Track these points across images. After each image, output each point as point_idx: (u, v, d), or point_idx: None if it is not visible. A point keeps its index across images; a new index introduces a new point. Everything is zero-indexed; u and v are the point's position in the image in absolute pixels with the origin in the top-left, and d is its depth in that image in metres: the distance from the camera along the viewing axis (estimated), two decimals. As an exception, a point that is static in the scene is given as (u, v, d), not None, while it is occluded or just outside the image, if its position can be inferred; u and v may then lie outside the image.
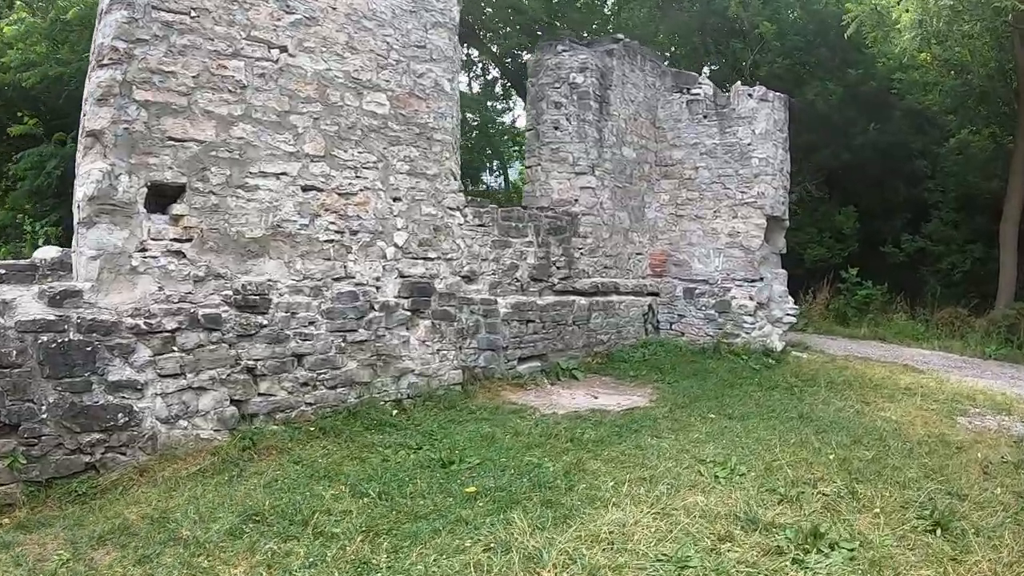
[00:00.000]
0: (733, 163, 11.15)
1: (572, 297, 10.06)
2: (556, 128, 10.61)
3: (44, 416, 4.86)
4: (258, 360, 6.07)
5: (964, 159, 16.56)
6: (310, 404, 6.43)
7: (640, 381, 9.27)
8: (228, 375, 5.88)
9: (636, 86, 11.48)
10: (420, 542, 4.08)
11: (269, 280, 6.20)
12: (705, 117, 11.46)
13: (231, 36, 5.99)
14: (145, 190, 5.53)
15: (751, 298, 10.87)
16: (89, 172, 5.33)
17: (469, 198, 8.88)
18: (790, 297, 11.24)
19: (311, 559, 3.86)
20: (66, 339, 5.00)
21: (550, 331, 9.49)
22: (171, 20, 5.64)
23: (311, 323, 6.48)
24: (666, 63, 13.66)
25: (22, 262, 6.99)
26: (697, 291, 11.39)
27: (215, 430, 5.74)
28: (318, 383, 6.51)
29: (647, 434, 6.63)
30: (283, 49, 6.32)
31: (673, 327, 11.63)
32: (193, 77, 5.75)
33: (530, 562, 3.84)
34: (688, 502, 4.76)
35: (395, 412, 6.81)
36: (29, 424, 4.77)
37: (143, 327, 5.38)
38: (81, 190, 5.40)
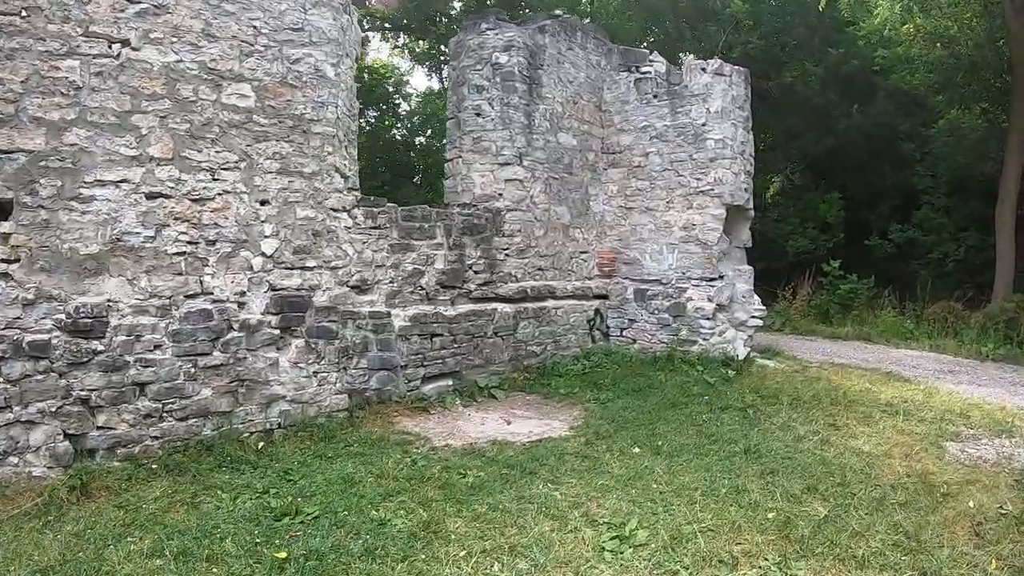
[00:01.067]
0: (686, 146, 9.47)
1: (493, 305, 8.43)
2: (478, 115, 8.96)
3: None
4: (93, 390, 5.20)
5: (955, 140, 14.73)
6: (156, 438, 5.45)
7: (570, 401, 7.66)
8: (60, 407, 5.07)
9: (576, 66, 9.84)
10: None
11: (109, 301, 5.32)
12: (655, 97, 9.80)
13: (66, 34, 5.21)
14: None
15: (709, 299, 9.18)
16: None
17: (360, 197, 7.28)
18: (756, 297, 9.54)
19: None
20: None
21: (463, 345, 7.94)
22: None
23: (157, 347, 5.50)
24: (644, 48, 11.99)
25: None
26: (649, 292, 9.71)
27: (48, 467, 5.01)
28: (165, 414, 5.51)
29: (543, 478, 5.13)
30: (125, 43, 5.44)
31: (624, 333, 9.96)
32: (22, 82, 5.04)
33: None
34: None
35: (260, 445, 5.68)
36: None
37: None
38: None
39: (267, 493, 4.74)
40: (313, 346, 6.46)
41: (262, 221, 6.19)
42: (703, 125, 9.27)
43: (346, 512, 4.41)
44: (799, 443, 5.88)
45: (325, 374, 6.53)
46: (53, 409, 5.05)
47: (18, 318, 4.97)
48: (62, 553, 3.85)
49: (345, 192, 6.91)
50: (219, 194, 5.90)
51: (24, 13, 5.03)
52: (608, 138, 10.23)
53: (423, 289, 7.84)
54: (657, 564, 3.72)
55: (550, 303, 9.17)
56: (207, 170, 5.84)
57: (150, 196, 5.53)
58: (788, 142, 16.54)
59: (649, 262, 9.78)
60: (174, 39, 5.66)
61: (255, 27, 6.14)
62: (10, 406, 4.89)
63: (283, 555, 3.81)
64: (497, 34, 8.96)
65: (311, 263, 6.56)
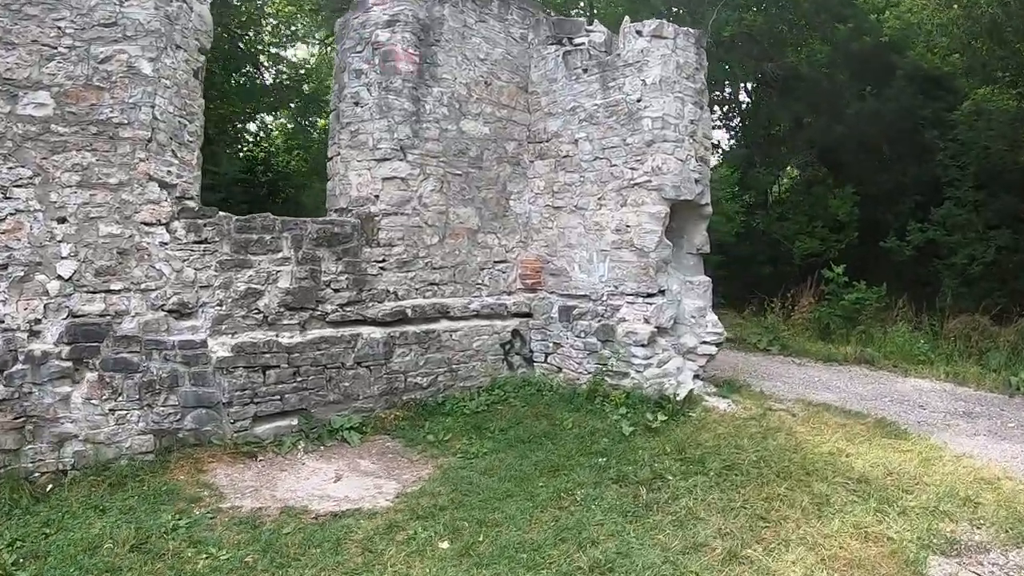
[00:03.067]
0: (619, 128, 7.13)
1: (358, 329, 6.35)
2: (356, 104, 6.86)
3: None
4: None
5: (983, 124, 11.70)
6: None
7: (435, 451, 5.59)
8: None
9: (490, 40, 7.63)
10: None
11: None
12: (585, 71, 7.50)
13: None
14: None
15: (646, 320, 6.81)
16: None
17: (181, 208, 5.48)
18: (711, 316, 7.11)
19: None
20: None
21: (310, 378, 5.96)
22: None
23: None
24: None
25: None
26: (576, 310, 7.39)
27: None
28: None
29: None
30: None
31: (549, 360, 7.66)
32: None
33: None
34: None
35: (49, 488, 4.65)
36: None
37: None
38: None
39: (12, 546, 3.78)
40: (107, 380, 5.13)
41: (59, 241, 5.04)
42: (638, 101, 6.92)
43: None
44: (689, 558, 3.56)
45: (124, 412, 5.16)
46: None
47: None
48: None
49: (163, 203, 5.38)
50: (10, 214, 4.87)
51: None
52: (535, 124, 7.98)
53: (260, 312, 5.85)
54: None
55: (442, 324, 6.98)
56: None
57: None
58: (794, 131, 13.84)
59: (578, 273, 7.48)
60: None
61: (59, 27, 5.01)
62: None
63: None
64: (383, 9, 6.87)
65: (116, 286, 5.25)
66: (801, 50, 12.50)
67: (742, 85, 15.46)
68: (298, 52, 14.63)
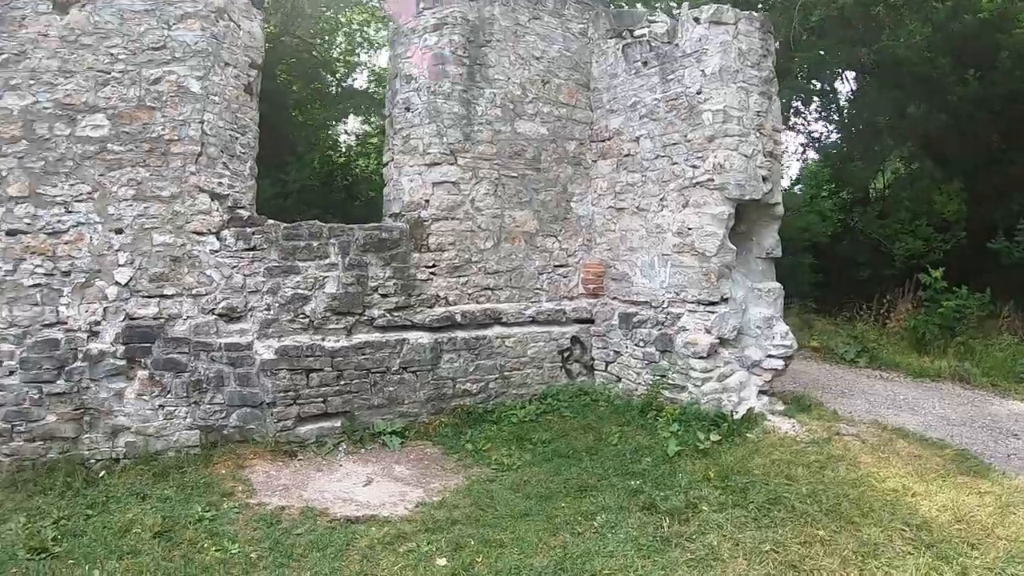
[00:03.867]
0: (679, 124, 6.58)
1: (404, 335, 6.29)
2: (407, 109, 6.80)
3: None
4: None
5: None
6: (6, 455, 5.04)
7: (472, 460, 5.47)
8: None
9: (545, 37, 7.32)
10: None
11: None
12: (645, 64, 7.00)
13: None
14: None
15: (707, 330, 6.25)
16: None
17: (231, 217, 5.75)
18: (781, 327, 6.39)
19: None
20: None
21: (354, 382, 6.00)
22: None
23: (11, 372, 5.10)
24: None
25: None
26: (636, 317, 6.93)
27: None
28: (15, 435, 5.09)
29: None
30: None
31: (609, 369, 7.24)
32: None
33: None
34: None
35: (102, 474, 5.00)
36: None
37: None
38: None
39: (56, 523, 4.07)
40: (157, 378, 5.44)
41: (116, 250, 5.44)
42: (697, 93, 6.35)
43: (77, 562, 3.59)
44: None
45: (173, 408, 5.46)
46: None
47: None
48: None
49: (213, 213, 5.66)
50: (73, 226, 5.33)
51: None
52: (596, 122, 7.57)
53: (307, 317, 5.95)
54: None
55: (494, 330, 6.78)
56: (61, 204, 5.30)
57: (10, 233, 5.17)
58: (895, 121, 12.36)
59: (639, 278, 7.00)
60: (32, 81, 5.21)
61: (112, 55, 5.41)
62: None
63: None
64: (433, 13, 6.78)
65: (170, 291, 5.57)
66: (898, 33, 11.06)
67: (838, 73, 14.01)
68: (379, 59, 14.99)
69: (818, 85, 14.27)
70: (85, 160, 5.28)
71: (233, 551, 3.77)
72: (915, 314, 9.40)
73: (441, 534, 4.00)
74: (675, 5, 12.16)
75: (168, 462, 5.08)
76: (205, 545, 3.81)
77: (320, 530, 4.09)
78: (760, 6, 11.87)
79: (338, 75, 13.19)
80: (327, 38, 12.81)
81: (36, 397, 5.10)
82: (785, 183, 14.28)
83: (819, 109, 15.79)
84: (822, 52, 11.57)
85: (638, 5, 12.69)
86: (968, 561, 3.57)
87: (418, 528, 4.10)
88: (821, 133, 16.17)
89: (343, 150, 12.95)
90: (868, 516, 4.07)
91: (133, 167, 5.40)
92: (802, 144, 16.69)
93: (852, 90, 14.72)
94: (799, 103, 14.51)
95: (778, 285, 6.63)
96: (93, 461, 5.17)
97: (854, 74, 13.74)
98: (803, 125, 15.85)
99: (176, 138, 5.49)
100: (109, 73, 5.32)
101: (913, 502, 4.28)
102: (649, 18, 7.33)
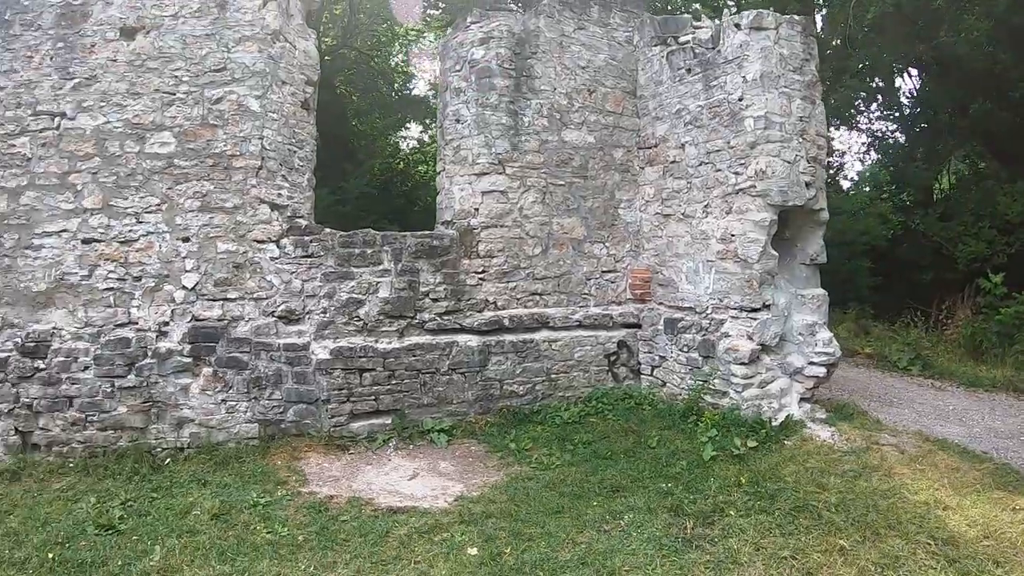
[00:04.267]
0: (722, 131, 6.60)
1: (453, 337, 6.61)
2: (457, 121, 7.13)
3: None
4: (35, 399, 5.69)
5: None
6: (81, 442, 5.70)
7: (510, 459, 5.75)
8: (11, 409, 5.64)
9: (592, 47, 7.47)
10: None
11: (54, 328, 5.81)
12: (688, 71, 7.05)
13: (18, 116, 5.84)
14: None
15: (749, 337, 6.27)
16: None
17: (290, 226, 6.27)
18: (825, 334, 6.31)
19: None
20: None
21: (404, 382, 6.40)
22: None
23: (86, 368, 5.76)
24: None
25: None
26: (681, 323, 6.99)
27: (4, 453, 5.60)
28: (88, 424, 5.74)
29: (306, 559, 3.97)
30: (63, 115, 5.88)
31: (655, 373, 7.33)
32: None
33: None
34: None
35: (167, 461, 5.60)
36: None
37: None
38: None
39: (124, 504, 4.63)
40: (221, 375, 5.99)
41: (183, 257, 6.01)
42: (739, 100, 6.36)
43: (140, 537, 4.11)
44: None
45: (234, 403, 6.00)
46: (6, 410, 5.58)
47: None
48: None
49: (273, 223, 6.19)
50: (143, 235, 5.94)
51: None
52: (643, 129, 7.67)
53: (360, 320, 6.37)
54: None
55: (542, 334, 7.01)
56: (132, 215, 5.92)
57: (85, 241, 5.85)
58: (957, 120, 11.75)
59: (684, 284, 7.07)
60: (103, 103, 5.87)
61: (176, 76, 6.01)
62: None
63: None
64: (480, 27, 7.06)
65: (233, 294, 6.11)
66: (958, 27, 10.47)
67: (899, 70, 13.34)
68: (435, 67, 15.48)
69: (880, 83, 13.68)
70: (154, 175, 5.91)
71: (282, 534, 4.19)
72: (972, 321, 8.98)
73: (475, 526, 4.29)
74: (728, 8, 12.00)
75: (228, 452, 5.61)
76: (258, 527, 4.25)
77: (364, 518, 4.46)
78: (820, 2, 11.55)
79: (396, 84, 13.71)
80: (385, 49, 13.34)
81: (108, 390, 5.75)
82: (846, 185, 13.80)
83: (880, 108, 15.14)
84: (879, 48, 11.09)
85: (684, 11, 12.58)
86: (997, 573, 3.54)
87: (454, 520, 4.41)
88: (883, 132, 15.49)
89: (402, 157, 13.48)
90: (894, 528, 4.06)
91: (198, 180, 5.98)
92: (863, 143, 16.05)
93: (914, 88, 14.05)
94: (860, 102, 13.97)
95: (822, 291, 6.57)
96: (159, 449, 5.76)
97: (916, 71, 13.12)
98: (866, 124, 15.24)
99: (238, 153, 6.03)
100: (174, 94, 5.94)
101: (943, 516, 4.23)
102: (694, 23, 7.37)
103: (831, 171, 13.21)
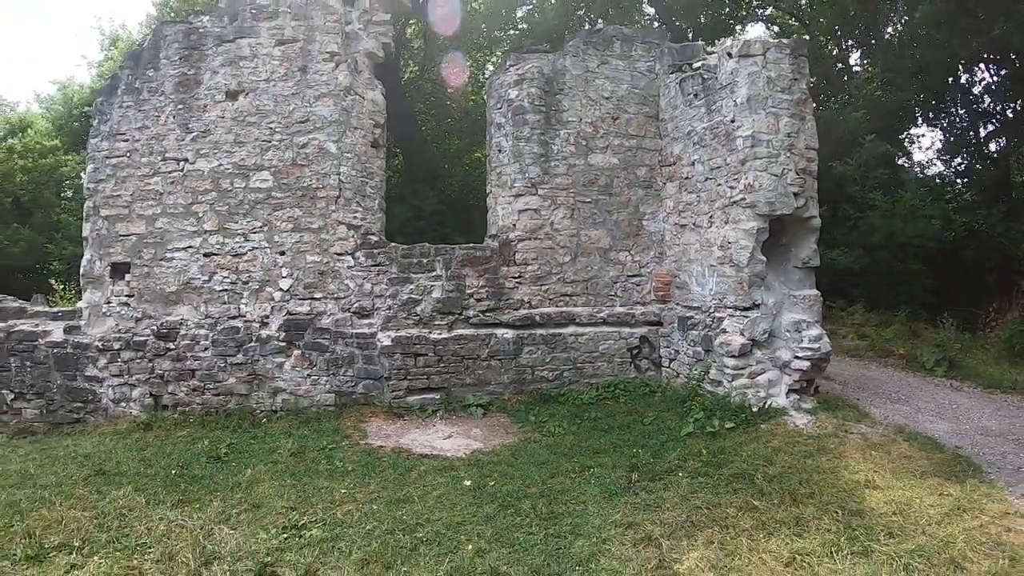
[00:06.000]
0: (721, 149, 7.34)
1: (493, 330, 7.94)
2: (499, 151, 8.44)
3: (55, 390, 7.73)
4: (166, 371, 7.70)
5: None
6: (199, 404, 7.64)
7: (527, 429, 7.05)
8: (148, 379, 7.72)
9: (615, 79, 8.47)
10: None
11: (181, 319, 7.78)
12: (696, 96, 7.85)
13: (152, 162, 7.83)
14: (108, 267, 7.89)
15: (741, 332, 7.04)
16: (83, 260, 7.95)
17: (362, 242, 7.94)
18: (813, 331, 6.90)
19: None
20: (65, 351, 7.74)
21: (451, 365, 7.86)
22: (116, 163, 7.88)
23: (205, 348, 7.71)
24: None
25: (70, 309, 8.80)
26: (691, 321, 7.82)
27: (140, 411, 7.65)
28: (205, 391, 7.67)
29: (364, 476, 5.69)
30: (186, 160, 7.80)
31: (671, 365, 8.19)
32: (130, 195, 7.85)
33: None
34: None
35: (264, 420, 7.33)
36: (48, 394, 7.74)
37: (102, 347, 7.73)
38: (81, 270, 7.99)
39: (228, 445, 6.39)
40: (307, 356, 7.81)
41: (280, 267, 7.89)
42: (732, 121, 7.10)
43: (235, 478, 5.53)
44: (610, 534, 4.31)
45: (316, 377, 7.82)
46: (144, 379, 7.71)
47: (132, 327, 7.81)
48: (114, 456, 6.20)
49: (349, 239, 7.89)
50: (250, 250, 7.88)
51: (129, 154, 7.85)
52: (664, 149, 8.55)
53: (417, 315, 7.88)
54: None
55: (569, 329, 8.15)
56: (241, 235, 7.87)
57: (206, 255, 7.84)
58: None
59: (695, 286, 7.91)
60: (215, 151, 7.81)
61: (271, 128, 7.87)
62: (123, 374, 7.70)
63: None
64: (515, 68, 8.34)
65: (318, 295, 7.95)
66: (1013, 20, 10.03)
67: (964, 66, 12.74)
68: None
69: (953, 79, 13.23)
70: (256, 204, 7.74)
71: (338, 466, 5.75)
72: (1011, 323, 8.87)
73: (477, 469, 5.56)
74: (737, 35, 12.28)
75: (310, 414, 7.30)
76: (321, 462, 5.84)
77: (399, 460, 5.91)
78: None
79: (470, 106, 15.27)
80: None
81: (221, 365, 7.68)
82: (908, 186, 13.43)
83: (952, 105, 14.45)
84: (938, 44, 10.91)
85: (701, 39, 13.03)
86: (876, 546, 4.05)
87: (464, 464, 5.72)
88: (956, 129, 14.77)
89: (478, 174, 15.06)
90: (813, 497, 4.67)
91: (291, 208, 7.75)
92: (941, 141, 15.37)
93: (990, 81, 13.39)
94: (934, 99, 13.55)
95: (815, 292, 7.15)
96: (258, 411, 7.56)
97: (983, 66, 12.57)
98: (945, 122, 14.63)
99: (321, 186, 7.73)
100: (270, 141, 7.72)
101: (866, 493, 4.71)
102: (706, 50, 8.16)
103: (909, 168, 12.95)
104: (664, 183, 8.57)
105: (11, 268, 16.51)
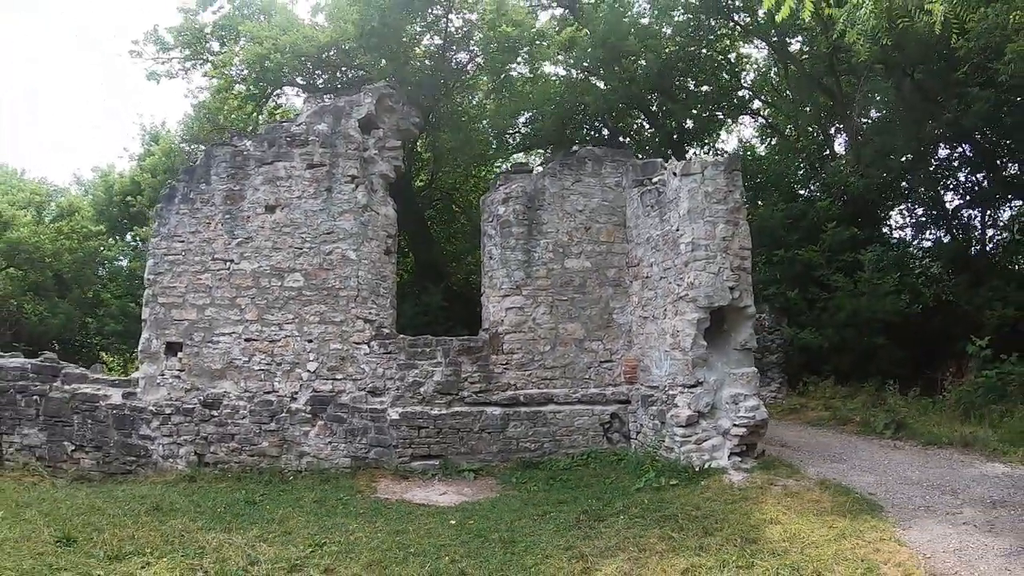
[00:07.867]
0: (670, 253, 9.29)
1: (483, 408, 9.73)
2: (490, 257, 10.55)
3: (111, 445, 9.70)
4: (209, 434, 9.71)
5: None
6: (236, 463, 9.62)
7: (508, 487, 8.75)
8: (193, 439, 9.70)
9: (586, 195, 10.61)
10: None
11: (224, 392, 9.87)
12: (652, 207, 9.89)
13: (203, 260, 10.07)
14: (164, 345, 9.93)
15: (688, 406, 8.71)
16: (141, 339, 9.99)
17: (375, 333, 9.94)
18: (750, 402, 8.51)
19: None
20: (123, 412, 9.74)
21: (448, 436, 9.64)
22: (173, 259, 10.10)
23: (243, 417, 9.76)
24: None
25: (125, 378, 11.16)
26: (651, 398, 9.50)
27: (185, 466, 9.57)
28: (242, 452, 9.66)
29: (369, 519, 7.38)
30: (232, 261, 10.05)
31: (638, 436, 9.82)
32: (184, 287, 10.02)
33: None
34: None
35: (291, 478, 9.28)
36: (105, 448, 9.71)
37: (155, 411, 9.71)
38: (139, 346, 10.03)
39: (261, 494, 8.20)
40: (329, 426, 9.78)
41: (308, 352, 9.92)
42: (676, 230, 9.10)
43: (269, 515, 7.27)
44: (529, 556, 5.90)
45: (336, 444, 9.77)
46: (190, 440, 9.65)
47: (182, 396, 9.78)
48: (164, 498, 7.84)
49: (366, 331, 9.89)
50: (283, 337, 10.03)
51: (184, 253, 10.03)
52: (630, 252, 10.55)
53: (421, 395, 9.73)
54: None
55: (549, 407, 9.89)
56: (276, 324, 10.03)
57: (247, 340, 9.97)
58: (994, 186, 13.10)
59: (654, 369, 9.64)
60: (256, 255, 10.05)
61: (303, 238, 10.15)
62: (172, 435, 9.63)
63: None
64: (504, 187, 10.57)
65: (339, 376, 9.81)
66: (967, 100, 12.00)
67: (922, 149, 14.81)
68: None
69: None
70: (290, 300, 9.82)
71: (351, 510, 7.49)
72: (959, 384, 10.30)
73: (462, 513, 7.21)
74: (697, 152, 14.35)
75: (330, 475, 9.07)
76: (339, 507, 7.56)
77: (403, 507, 7.57)
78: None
79: (472, 215, 17.72)
80: (463, 187, 17.44)
81: (257, 431, 9.64)
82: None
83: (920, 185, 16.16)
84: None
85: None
86: (759, 562, 5.39)
87: (452, 510, 7.39)
88: (924, 204, 16.50)
89: (474, 274, 17.31)
90: (722, 531, 6.09)
91: (318, 304, 9.81)
92: (910, 217, 17.13)
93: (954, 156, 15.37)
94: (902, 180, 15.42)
95: (752, 369, 8.79)
96: (286, 471, 9.44)
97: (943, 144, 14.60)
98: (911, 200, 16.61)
99: (343, 287, 9.81)
100: (301, 248, 9.89)
101: (768, 527, 6.08)
102: (663, 166, 10.27)
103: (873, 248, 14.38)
104: (631, 281, 10.52)
105: (48, 337, 18.86)
